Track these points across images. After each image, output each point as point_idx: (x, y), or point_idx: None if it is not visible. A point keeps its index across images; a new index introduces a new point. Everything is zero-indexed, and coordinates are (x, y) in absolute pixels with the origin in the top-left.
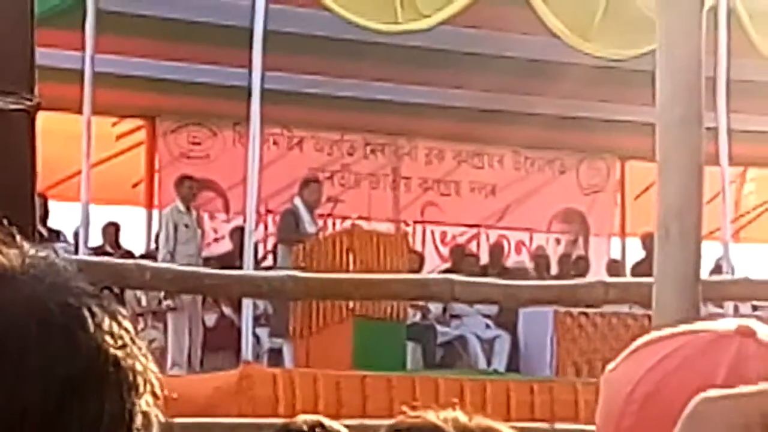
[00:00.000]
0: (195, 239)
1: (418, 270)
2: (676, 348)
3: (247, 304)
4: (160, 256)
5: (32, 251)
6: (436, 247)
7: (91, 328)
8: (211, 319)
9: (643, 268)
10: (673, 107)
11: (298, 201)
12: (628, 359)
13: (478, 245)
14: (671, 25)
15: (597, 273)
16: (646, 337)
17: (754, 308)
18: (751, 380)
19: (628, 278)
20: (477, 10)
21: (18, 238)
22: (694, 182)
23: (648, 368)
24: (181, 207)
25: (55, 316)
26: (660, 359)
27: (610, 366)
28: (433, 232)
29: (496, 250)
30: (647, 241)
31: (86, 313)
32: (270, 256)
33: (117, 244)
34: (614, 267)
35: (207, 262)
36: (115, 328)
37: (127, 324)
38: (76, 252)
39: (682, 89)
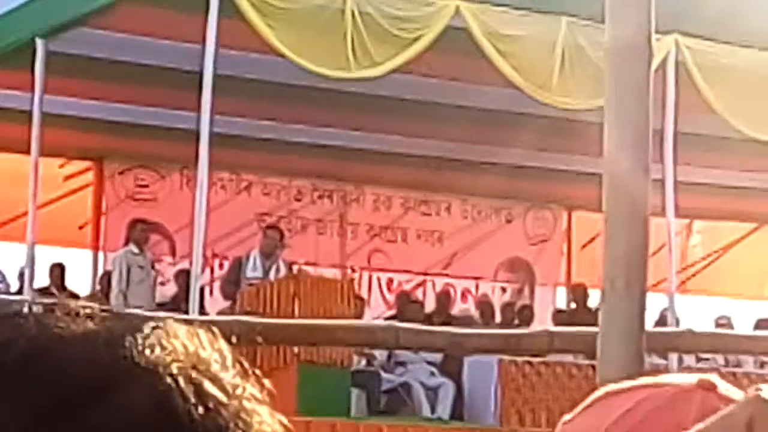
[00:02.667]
0: (148, 280)
1: (360, 315)
2: (639, 401)
3: None
4: (112, 296)
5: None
6: (382, 294)
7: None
8: None
9: (574, 318)
10: (620, 159)
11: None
12: (586, 412)
13: (424, 293)
14: (620, 79)
15: (543, 323)
16: (603, 390)
17: (698, 359)
18: None
19: (573, 328)
20: (429, 59)
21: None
22: (641, 234)
23: (611, 422)
24: (135, 249)
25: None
26: (623, 413)
27: (566, 418)
28: (379, 279)
29: (443, 297)
30: (577, 292)
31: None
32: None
33: (62, 286)
34: (560, 317)
35: (160, 307)
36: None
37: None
38: (21, 293)
39: (630, 141)
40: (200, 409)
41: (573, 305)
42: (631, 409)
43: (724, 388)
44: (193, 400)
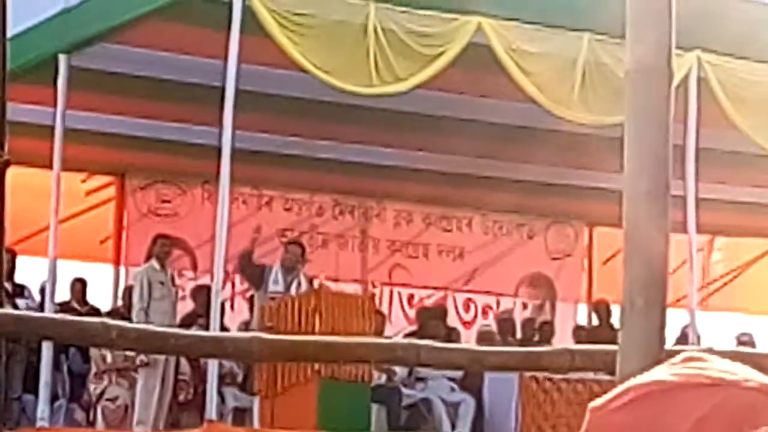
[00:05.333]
0: (170, 297)
1: (381, 331)
2: (713, 407)
3: (212, 362)
4: (133, 313)
5: None
6: (403, 309)
7: None
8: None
9: (596, 334)
10: (640, 177)
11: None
12: (633, 406)
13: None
14: (640, 98)
15: (564, 339)
16: (641, 381)
17: None
18: None
19: (594, 346)
20: (451, 75)
21: None
22: (660, 253)
23: (689, 427)
24: (156, 265)
25: None
26: (698, 420)
27: (596, 404)
28: (400, 294)
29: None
30: (599, 308)
31: None
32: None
33: (84, 300)
34: (580, 333)
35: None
36: None
37: None
38: (42, 307)
39: (650, 160)
40: None
41: (595, 321)
42: (706, 417)
43: None
44: None
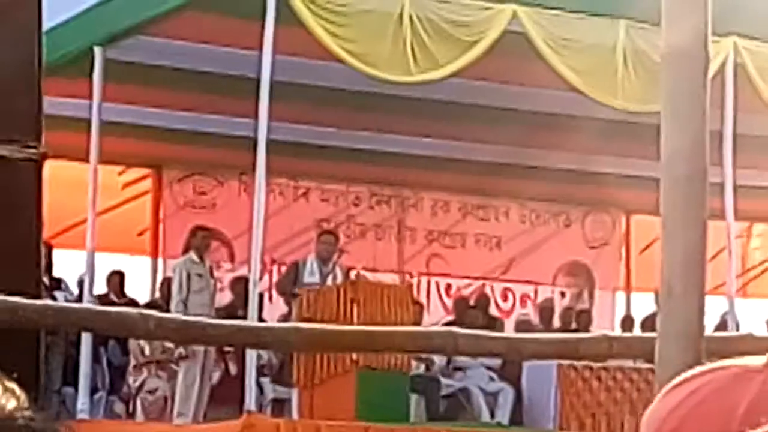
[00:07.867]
0: (208, 289)
1: (419, 321)
2: (703, 384)
3: (251, 354)
4: (172, 305)
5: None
6: (441, 299)
7: None
8: (214, 376)
9: (652, 322)
10: (678, 164)
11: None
12: (664, 398)
13: None
14: (676, 84)
15: (602, 327)
16: (683, 375)
17: None
18: None
19: (633, 333)
20: (486, 63)
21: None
22: (698, 239)
23: (674, 405)
24: (195, 257)
25: None
26: (686, 396)
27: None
28: (437, 284)
29: (482, 300)
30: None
31: None
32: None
33: (122, 293)
34: (627, 322)
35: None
36: None
37: None
38: (80, 300)
39: (687, 146)
40: None
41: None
42: (694, 392)
43: None
44: None
